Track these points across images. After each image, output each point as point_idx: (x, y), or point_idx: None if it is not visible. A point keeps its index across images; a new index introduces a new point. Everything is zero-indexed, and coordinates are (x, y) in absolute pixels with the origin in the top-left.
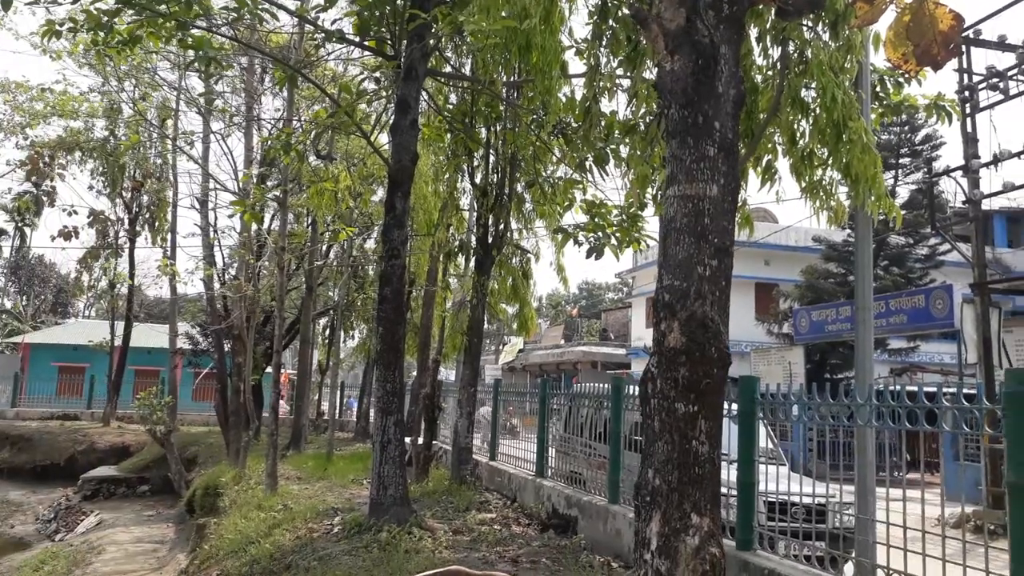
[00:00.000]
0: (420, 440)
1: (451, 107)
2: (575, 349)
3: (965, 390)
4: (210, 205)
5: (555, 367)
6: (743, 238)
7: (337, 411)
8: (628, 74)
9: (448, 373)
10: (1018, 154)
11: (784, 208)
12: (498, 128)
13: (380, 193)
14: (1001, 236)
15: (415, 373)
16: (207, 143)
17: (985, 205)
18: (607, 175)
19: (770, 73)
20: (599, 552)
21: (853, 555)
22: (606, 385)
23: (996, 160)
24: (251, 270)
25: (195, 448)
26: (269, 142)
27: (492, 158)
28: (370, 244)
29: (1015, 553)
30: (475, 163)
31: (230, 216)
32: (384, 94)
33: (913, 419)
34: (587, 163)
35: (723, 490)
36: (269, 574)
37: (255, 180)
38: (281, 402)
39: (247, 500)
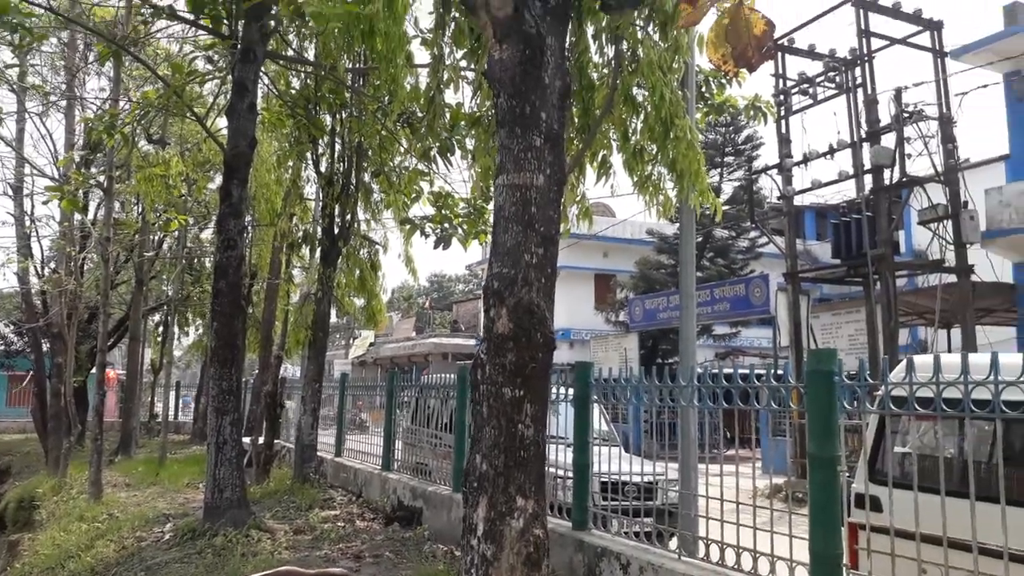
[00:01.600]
0: (261, 439)
1: (293, 92)
2: (426, 341)
3: (779, 371)
4: (25, 191)
5: (407, 360)
6: (583, 231)
7: (172, 412)
8: (472, 66)
9: (295, 370)
10: (824, 154)
11: (621, 202)
12: (343, 116)
13: (217, 180)
14: (811, 229)
15: (257, 371)
16: (21, 123)
17: (797, 201)
18: (452, 166)
19: (605, 71)
20: (443, 541)
21: (678, 528)
22: (452, 375)
23: (806, 159)
24: (73, 262)
25: (8, 458)
26: (92, 124)
27: (338, 146)
28: (207, 235)
29: (813, 515)
30: (320, 151)
31: (45, 203)
32: (220, 75)
33: (730, 399)
34: (432, 153)
35: (559, 472)
36: None
37: (76, 165)
38: (110, 404)
39: (67, 511)
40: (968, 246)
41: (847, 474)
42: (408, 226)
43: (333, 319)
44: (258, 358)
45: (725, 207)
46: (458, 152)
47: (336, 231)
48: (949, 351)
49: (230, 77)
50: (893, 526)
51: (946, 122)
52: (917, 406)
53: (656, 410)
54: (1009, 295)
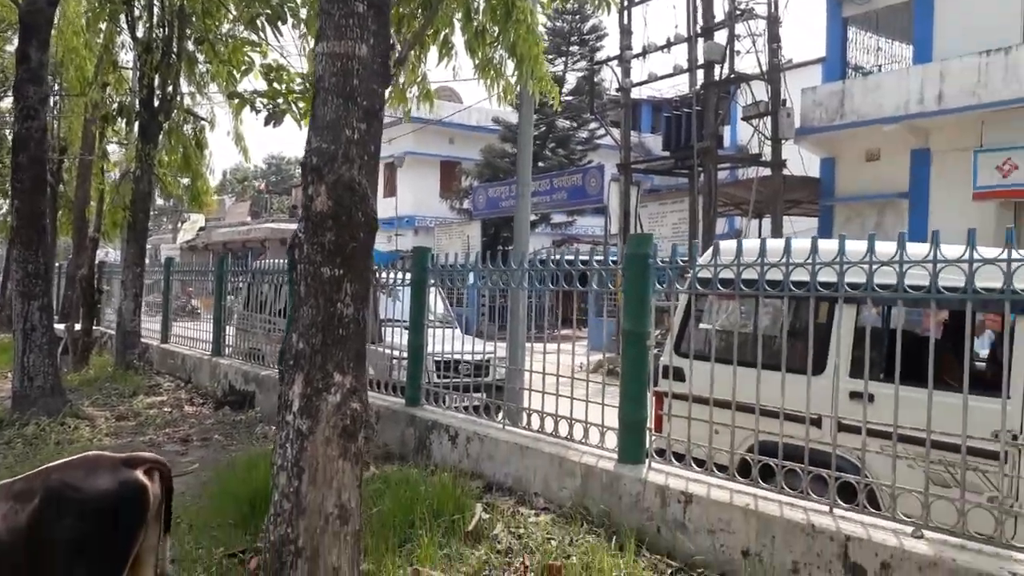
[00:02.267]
0: (78, 326)
1: None
2: (263, 226)
3: (611, 257)
4: None
5: (241, 245)
6: (428, 115)
7: None
8: None
9: (116, 254)
10: (662, 48)
11: (468, 89)
12: None
13: (14, 43)
14: (647, 122)
15: (72, 254)
16: None
17: (635, 94)
18: (282, 36)
19: None
20: (274, 423)
21: (504, 401)
22: (286, 260)
23: (645, 52)
24: None
25: None
26: None
27: (156, 10)
28: (6, 104)
29: (624, 385)
30: (136, 14)
31: None
32: None
33: (558, 281)
34: (260, 21)
35: (396, 353)
36: None
37: None
38: None
39: None
40: (783, 142)
41: (657, 350)
42: (237, 100)
43: (159, 201)
44: (72, 241)
45: (568, 97)
46: (297, 25)
47: (156, 104)
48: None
49: None
50: (692, 393)
51: (773, 22)
52: (720, 286)
53: (492, 294)
54: (815, 188)
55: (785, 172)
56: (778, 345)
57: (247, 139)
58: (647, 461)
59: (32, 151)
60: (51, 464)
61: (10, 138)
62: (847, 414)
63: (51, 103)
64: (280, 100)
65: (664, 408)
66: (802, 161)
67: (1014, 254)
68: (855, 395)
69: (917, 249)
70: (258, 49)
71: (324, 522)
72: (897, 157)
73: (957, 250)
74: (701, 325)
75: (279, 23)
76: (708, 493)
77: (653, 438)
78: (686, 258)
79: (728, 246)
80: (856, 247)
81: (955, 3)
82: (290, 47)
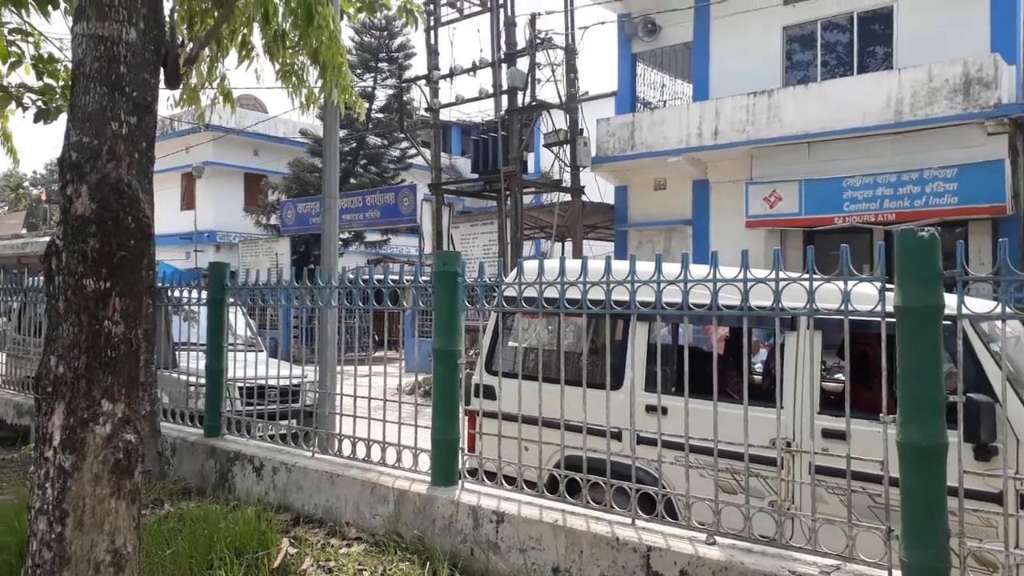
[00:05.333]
0: None
1: None
2: (42, 240)
3: (423, 276)
4: None
5: (16, 261)
6: (231, 124)
7: None
8: None
9: None
10: (468, 71)
11: (274, 97)
12: None
13: None
14: (457, 145)
15: None
16: None
17: (445, 116)
18: (49, 17)
19: None
20: None
21: (313, 428)
22: None
23: (452, 74)
24: None
25: None
26: None
27: None
28: None
29: (436, 405)
30: None
31: None
32: None
33: (367, 300)
34: (25, 2)
35: (193, 379)
36: None
37: None
38: None
39: None
40: (581, 169)
41: (470, 369)
42: (0, 95)
43: None
44: None
45: (378, 115)
46: (70, 11)
47: None
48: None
49: None
50: (501, 411)
51: (571, 53)
52: (524, 304)
53: (307, 316)
54: (610, 214)
55: (584, 198)
56: (580, 361)
57: (19, 140)
58: (460, 482)
59: None
60: None
61: None
62: (644, 427)
63: None
64: (56, 96)
65: (476, 427)
66: (599, 188)
67: (781, 275)
68: (651, 408)
69: (700, 270)
70: (29, 39)
71: (94, 571)
72: (681, 187)
73: (735, 271)
74: (510, 343)
75: (49, 7)
76: (519, 511)
77: (466, 458)
78: (494, 277)
79: (531, 266)
80: (646, 268)
81: (727, 46)
82: (64, 34)
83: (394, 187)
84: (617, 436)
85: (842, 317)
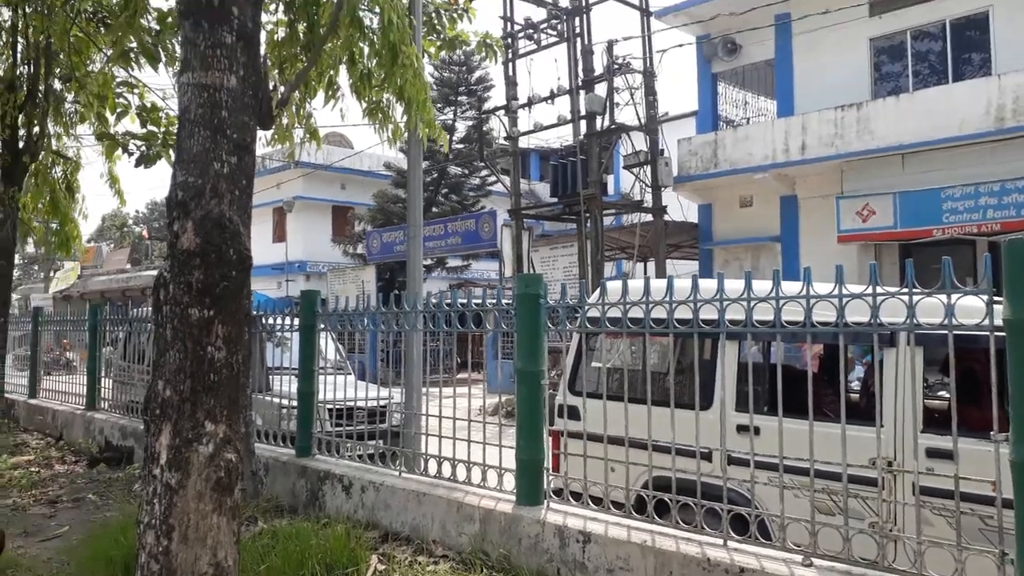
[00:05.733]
0: None
1: None
2: (144, 274)
3: (504, 300)
4: None
5: (121, 294)
6: (319, 160)
7: None
8: None
9: None
10: (546, 99)
11: (359, 133)
12: (25, 10)
13: None
14: (535, 170)
15: None
16: None
17: (523, 143)
18: (156, 72)
19: None
20: None
21: (400, 447)
22: None
23: (530, 103)
24: None
25: None
26: None
27: (21, 46)
28: None
29: (520, 425)
30: None
31: None
32: None
33: (451, 323)
34: (133, 56)
35: (286, 401)
36: None
37: None
38: None
39: None
40: (663, 189)
41: (553, 390)
42: (108, 142)
43: (29, 248)
44: None
45: (459, 145)
46: (171, 63)
47: (21, 145)
48: None
49: None
50: (586, 431)
51: (649, 76)
52: (608, 324)
53: (391, 339)
54: (693, 232)
55: (666, 218)
56: (667, 381)
57: (124, 182)
58: (545, 502)
59: None
60: None
61: None
62: (735, 447)
63: None
64: (156, 141)
65: (560, 447)
66: (681, 207)
67: (879, 289)
68: (742, 428)
69: (791, 287)
70: (135, 90)
71: None
72: (768, 203)
73: (828, 287)
74: (593, 363)
75: (154, 61)
76: (606, 531)
77: (551, 478)
78: (576, 298)
79: (615, 286)
80: (734, 285)
81: (811, 62)
82: (167, 85)
83: (474, 214)
84: (707, 456)
85: (946, 332)
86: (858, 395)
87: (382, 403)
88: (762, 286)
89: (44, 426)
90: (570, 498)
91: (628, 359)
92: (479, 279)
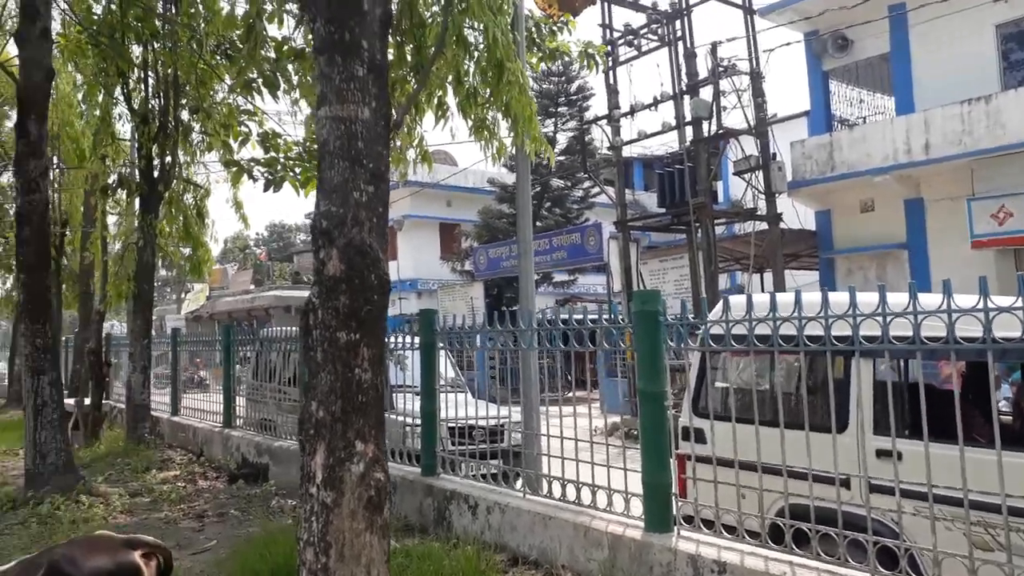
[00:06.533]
0: (88, 400)
1: (95, 18)
2: (267, 294)
3: (614, 315)
4: None
5: (246, 314)
6: (425, 178)
7: None
8: None
9: (122, 327)
10: (649, 106)
11: (463, 150)
12: (156, 47)
13: (14, 118)
14: (639, 180)
15: (78, 328)
16: None
17: (626, 152)
18: (278, 99)
19: (436, 9)
20: (291, 496)
21: (522, 468)
22: (294, 328)
23: (632, 111)
24: None
25: None
26: None
27: (152, 81)
28: (7, 179)
29: (645, 448)
30: (131, 86)
31: None
32: None
33: (568, 341)
34: (255, 85)
35: (408, 420)
36: None
37: None
38: None
39: None
40: (777, 195)
41: (674, 410)
42: (234, 169)
43: (161, 271)
44: (78, 314)
45: (560, 158)
46: (291, 92)
47: (156, 174)
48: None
49: None
50: (715, 456)
51: (756, 77)
52: (733, 342)
53: (501, 357)
54: (812, 240)
55: (782, 225)
56: (796, 402)
57: (247, 206)
58: (675, 528)
59: (35, 225)
60: (59, 543)
61: (12, 214)
62: (875, 473)
63: (50, 176)
64: (278, 167)
65: (687, 472)
66: (797, 214)
67: None
68: (882, 453)
69: (927, 299)
70: (255, 118)
71: None
72: (891, 207)
73: (970, 299)
74: (717, 383)
75: (274, 89)
76: (742, 561)
77: (679, 504)
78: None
79: (738, 301)
80: (866, 299)
81: (930, 54)
82: (283, 110)
83: (579, 227)
84: (845, 483)
85: None
86: (1010, 417)
87: (501, 422)
88: (896, 299)
89: (186, 442)
90: (701, 525)
91: (750, 378)
92: (585, 294)
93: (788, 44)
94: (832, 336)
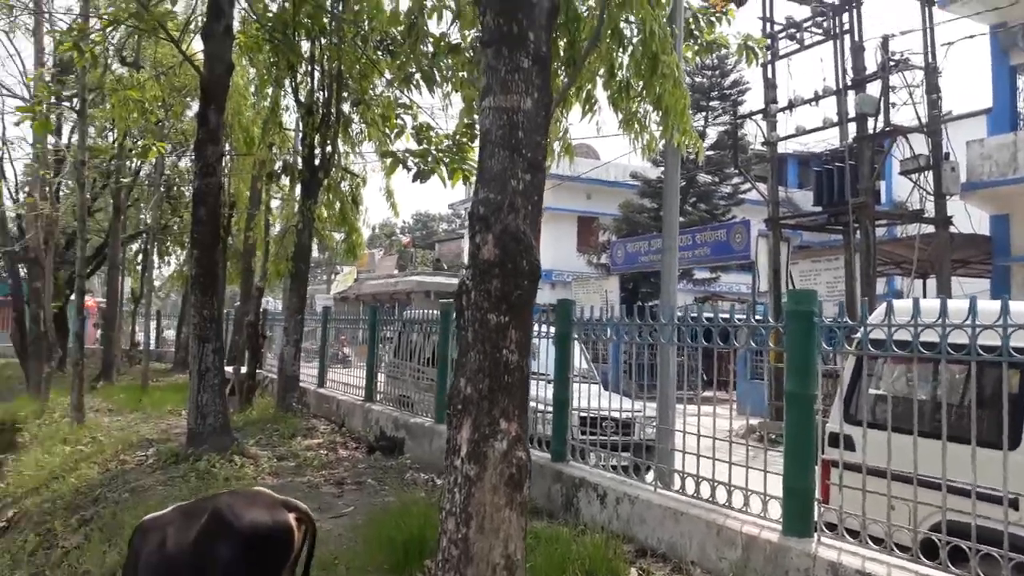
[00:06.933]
0: (244, 369)
1: (271, 16)
2: (409, 279)
3: (757, 315)
4: None
5: (389, 296)
6: (566, 171)
7: (153, 341)
8: None
9: (277, 303)
10: (809, 101)
11: (605, 145)
12: (322, 42)
13: (195, 108)
14: (793, 177)
15: (239, 302)
16: None
17: (781, 148)
18: (435, 97)
19: (592, 3)
20: (424, 470)
21: (655, 462)
22: (435, 311)
23: (791, 105)
24: (48, 187)
25: None
26: (61, 37)
27: (317, 74)
28: (184, 163)
29: (789, 451)
30: (298, 79)
31: (17, 124)
32: None
33: (709, 338)
34: (414, 79)
35: (541, 407)
36: (74, 509)
37: (48, 83)
38: (92, 331)
39: (50, 434)
40: (948, 197)
41: (821, 415)
42: (390, 159)
43: (315, 253)
44: (240, 289)
45: (709, 152)
46: (444, 85)
47: (316, 162)
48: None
49: None
50: (866, 464)
51: (931, 72)
52: (895, 347)
53: (636, 350)
54: (985, 247)
55: (951, 229)
56: (959, 415)
57: (396, 195)
58: (816, 535)
59: (210, 206)
60: (222, 492)
61: (187, 195)
62: None
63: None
64: (429, 158)
65: (831, 478)
66: (969, 218)
67: None
68: None
69: None
70: (410, 111)
71: (491, 572)
72: None
73: None
74: (871, 390)
75: (431, 83)
76: (889, 574)
77: (821, 510)
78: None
79: (903, 305)
80: None
81: None
82: (439, 116)
83: (725, 223)
84: (1013, 503)
85: None
86: None
87: (633, 415)
88: None
89: (330, 413)
90: (845, 534)
91: (913, 387)
92: (728, 292)
93: (971, 37)
94: (1011, 348)
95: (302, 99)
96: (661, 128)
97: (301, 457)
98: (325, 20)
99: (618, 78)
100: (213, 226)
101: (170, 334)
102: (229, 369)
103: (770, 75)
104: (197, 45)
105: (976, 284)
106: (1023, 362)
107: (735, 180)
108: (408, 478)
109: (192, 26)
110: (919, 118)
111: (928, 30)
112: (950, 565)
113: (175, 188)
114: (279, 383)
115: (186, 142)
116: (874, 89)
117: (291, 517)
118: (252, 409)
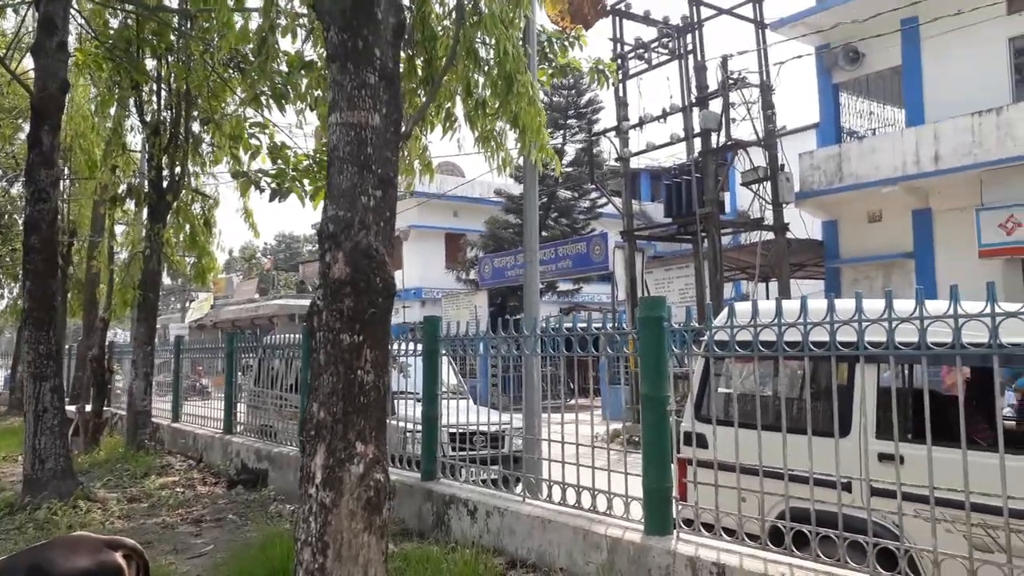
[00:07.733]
0: (88, 407)
1: (112, 32)
2: (271, 303)
3: (617, 323)
4: None
5: (250, 322)
6: (432, 189)
7: None
8: (306, 9)
9: (126, 334)
10: (658, 118)
11: (470, 161)
12: (169, 60)
13: (26, 129)
14: (646, 191)
15: (82, 336)
16: None
17: (633, 164)
18: (285, 112)
19: (447, 23)
20: (289, 501)
21: (523, 473)
22: (297, 335)
23: (641, 123)
24: None
25: None
26: None
27: (164, 93)
28: (16, 189)
29: (646, 452)
30: (144, 98)
31: None
32: (23, 11)
33: (571, 347)
34: (264, 98)
35: (409, 426)
36: None
37: None
38: None
39: None
40: (784, 206)
41: (676, 416)
42: (242, 179)
43: (166, 280)
44: (82, 322)
45: (568, 169)
46: (297, 103)
47: (165, 184)
48: None
49: (35, 12)
50: (716, 460)
51: (766, 89)
52: (737, 348)
53: (503, 364)
54: (818, 251)
55: (788, 235)
56: (799, 408)
57: (257, 216)
58: (675, 532)
59: (44, 233)
60: (39, 543)
61: (21, 223)
62: (877, 477)
63: (61, 187)
64: (287, 178)
65: (688, 475)
66: (804, 224)
67: None
68: (884, 457)
69: (934, 306)
70: (265, 130)
71: None
72: (899, 217)
73: (977, 305)
74: (720, 389)
75: (283, 101)
76: (741, 563)
77: (679, 507)
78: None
79: (744, 308)
80: (872, 306)
81: (942, 67)
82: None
83: (585, 236)
84: (846, 487)
85: None
86: (1015, 422)
87: (502, 428)
88: (902, 306)
89: (186, 448)
90: (700, 528)
91: (756, 384)
92: (590, 302)
93: (799, 57)
94: (838, 342)
95: (148, 119)
96: (520, 145)
97: (155, 496)
98: (172, 37)
99: (475, 96)
100: (48, 255)
101: (1, 374)
102: (72, 408)
103: (621, 94)
104: (28, 63)
105: (812, 285)
106: (850, 356)
107: (593, 195)
108: (273, 510)
109: (23, 43)
110: (756, 132)
111: (762, 51)
112: (794, 549)
113: (6, 216)
114: (128, 420)
115: (16, 166)
116: (716, 106)
117: (118, 556)
118: (99, 449)
